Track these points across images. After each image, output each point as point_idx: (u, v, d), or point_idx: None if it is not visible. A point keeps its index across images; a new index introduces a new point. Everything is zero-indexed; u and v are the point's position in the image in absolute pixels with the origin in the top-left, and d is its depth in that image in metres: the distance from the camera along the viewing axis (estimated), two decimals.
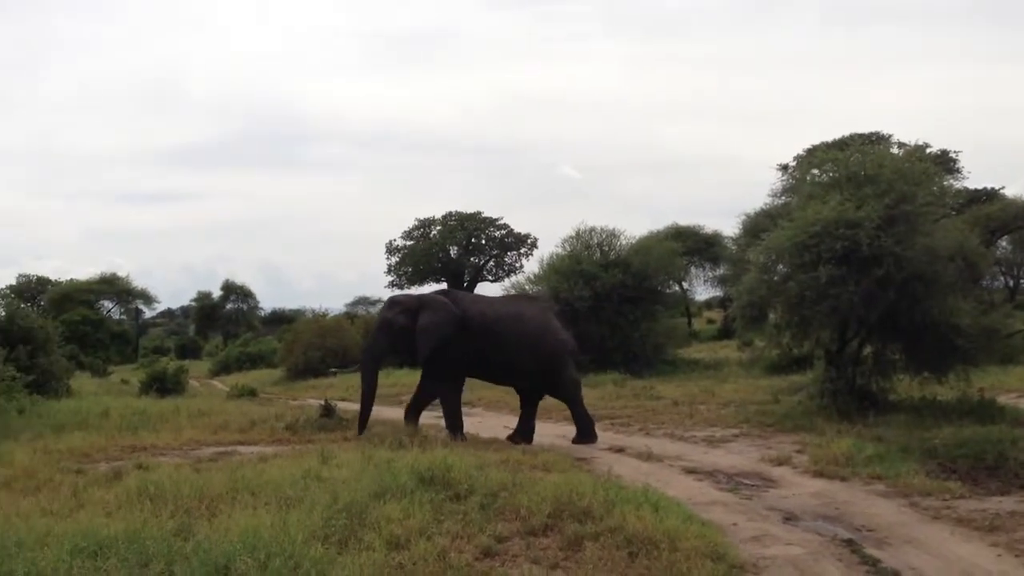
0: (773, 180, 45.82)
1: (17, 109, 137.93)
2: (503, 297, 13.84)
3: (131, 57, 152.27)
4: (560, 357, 13.24)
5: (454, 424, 13.06)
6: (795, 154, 35.99)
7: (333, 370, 24.03)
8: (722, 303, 47.17)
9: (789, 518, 7.97)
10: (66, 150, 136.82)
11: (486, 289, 63.45)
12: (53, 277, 69.53)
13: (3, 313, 22.01)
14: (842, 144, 28.48)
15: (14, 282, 67.47)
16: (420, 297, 13.59)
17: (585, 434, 13.11)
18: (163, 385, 24.13)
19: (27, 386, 17.39)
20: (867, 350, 15.48)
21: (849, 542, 7.03)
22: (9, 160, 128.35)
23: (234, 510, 7.11)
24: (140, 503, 7.51)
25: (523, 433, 13.23)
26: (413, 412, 13.30)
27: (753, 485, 9.62)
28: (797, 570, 6.25)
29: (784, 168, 33.68)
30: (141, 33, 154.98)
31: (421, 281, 67.28)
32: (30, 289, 66.32)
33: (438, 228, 68.17)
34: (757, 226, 22.87)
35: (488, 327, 12.94)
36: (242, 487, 8.09)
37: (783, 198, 25.93)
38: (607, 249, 28.25)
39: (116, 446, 12.38)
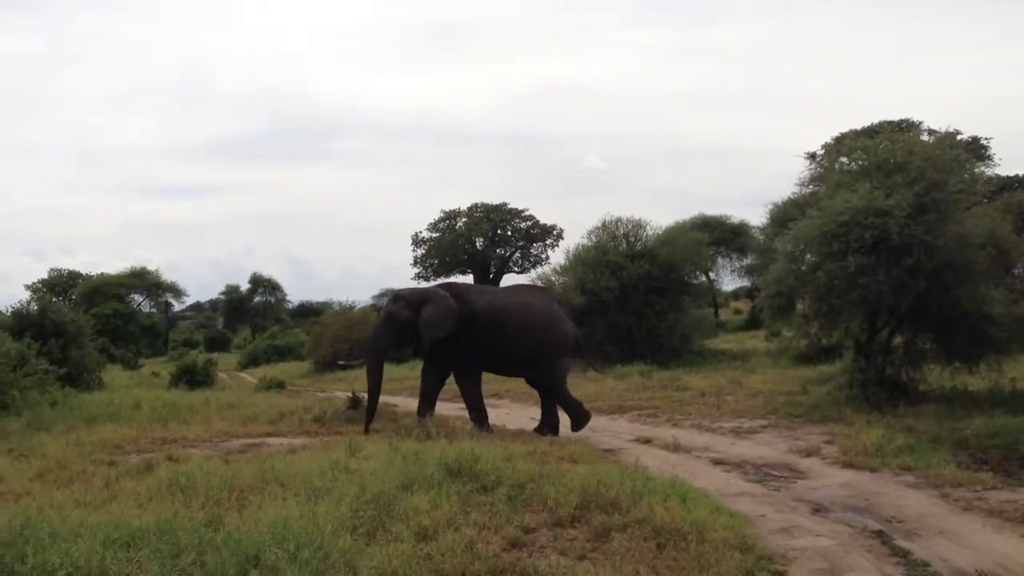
0: (801, 169, 45.40)
1: (51, 105, 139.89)
2: (508, 288, 13.93)
3: (161, 53, 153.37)
4: (559, 347, 13.32)
5: (479, 417, 13.15)
6: (823, 142, 35.72)
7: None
8: (749, 293, 46.87)
9: (818, 509, 7.92)
10: (97, 145, 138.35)
11: (511, 281, 63.33)
12: (84, 271, 70.48)
13: (36, 307, 22.28)
14: (871, 132, 28.26)
15: (46, 276, 68.56)
16: (423, 291, 13.75)
17: (580, 420, 13.14)
18: (193, 378, 24.33)
19: (60, 379, 17.64)
20: (897, 340, 15.35)
21: (879, 533, 6.98)
22: (42, 155, 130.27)
23: (263, 501, 7.18)
24: (171, 494, 7.59)
25: (548, 425, 13.25)
26: (427, 405, 13.44)
27: (781, 476, 9.57)
28: (826, 561, 6.21)
29: (812, 157, 33.44)
30: (171, 29, 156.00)
31: (447, 273, 67.41)
32: (61, 283, 67.23)
33: (464, 220, 68.21)
34: (785, 215, 22.76)
35: (495, 318, 13.08)
36: (271, 478, 8.16)
37: (811, 187, 25.69)
38: (633, 240, 28.15)
39: (147, 438, 12.53)
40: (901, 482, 8.99)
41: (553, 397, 13.53)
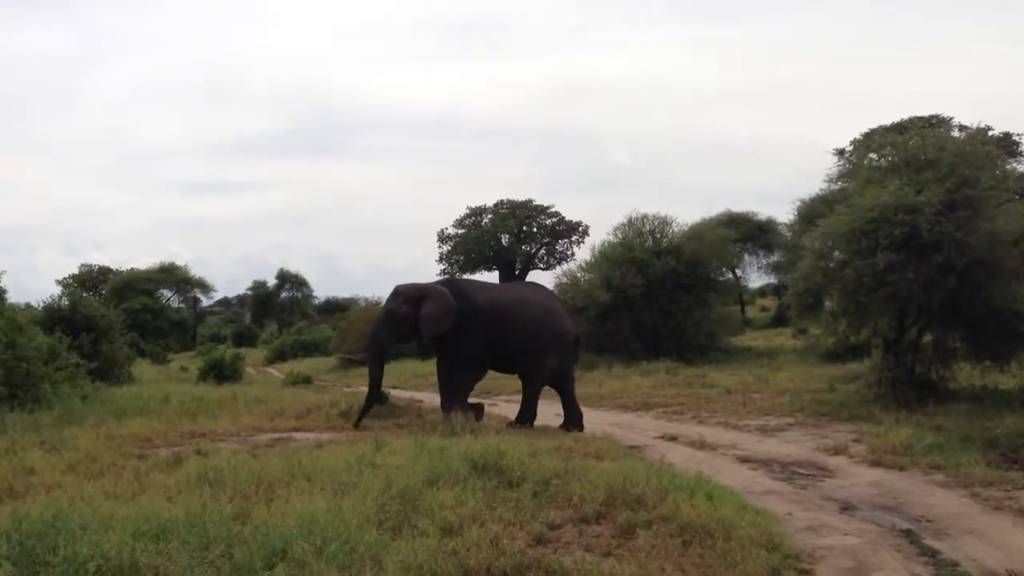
0: (829, 165, 44.97)
1: (83, 103, 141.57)
2: (508, 284, 13.95)
3: (191, 51, 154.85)
4: (554, 343, 13.29)
5: (450, 408, 13.10)
6: (852, 138, 35.42)
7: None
8: (776, 290, 46.61)
9: (846, 508, 7.87)
10: (128, 143, 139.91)
11: (537, 278, 63.27)
12: (114, 267, 71.21)
13: (67, 302, 22.52)
14: (901, 128, 28.01)
15: (77, 271, 69.38)
16: (422, 286, 13.71)
17: (523, 420, 13.24)
18: (221, 372, 24.50)
19: (90, 373, 17.84)
20: (927, 338, 15.21)
21: (908, 533, 6.92)
22: (75, 153, 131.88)
23: (290, 495, 7.24)
24: (200, 488, 7.66)
25: (572, 420, 13.27)
26: (462, 403, 13.44)
27: (808, 474, 9.50)
28: (854, 560, 6.16)
29: (840, 153, 33.14)
30: (201, 27, 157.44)
31: (473, 269, 67.48)
32: (92, 278, 67.96)
33: (489, 216, 68.23)
34: (812, 212, 22.59)
35: (495, 314, 13.11)
36: (298, 473, 8.23)
37: (839, 183, 25.48)
38: (659, 236, 28.09)
39: (176, 432, 12.64)
40: (930, 481, 8.91)
41: (565, 393, 13.59)
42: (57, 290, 29.22)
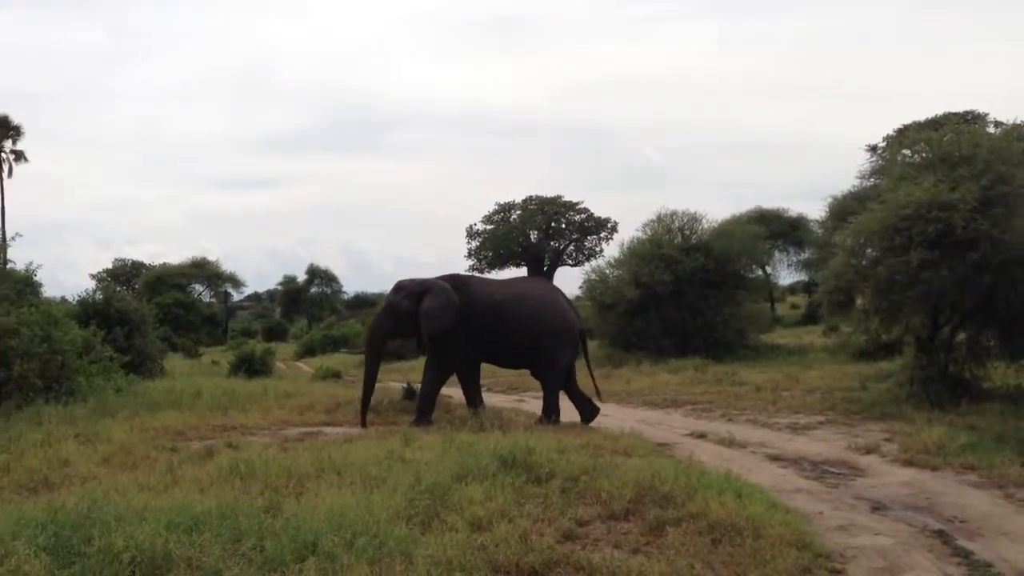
0: (861, 162, 44.52)
1: (117, 99, 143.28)
2: (511, 279, 13.97)
3: (224, 47, 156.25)
4: (559, 339, 13.26)
5: (424, 407, 13.25)
6: (885, 135, 35.07)
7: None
8: (807, 288, 46.22)
9: (877, 508, 7.79)
10: (161, 138, 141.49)
11: (566, 274, 63.31)
12: (147, 261, 72.00)
13: (101, 296, 22.80)
14: (935, 124, 27.61)
15: (111, 266, 70.26)
16: (424, 282, 13.67)
17: (548, 414, 13.20)
18: (251, 367, 24.70)
19: (124, 366, 18.07)
20: (960, 336, 15.01)
21: (940, 533, 6.84)
22: (109, 148, 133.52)
23: (320, 489, 7.29)
24: (231, 480, 7.76)
25: (587, 412, 13.33)
26: (472, 397, 13.63)
27: (839, 473, 9.42)
28: (886, 561, 6.10)
29: (873, 149, 32.89)
30: (234, 23, 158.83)
31: (502, 265, 67.52)
32: (126, 272, 68.81)
33: (518, 212, 68.22)
34: (844, 209, 22.39)
35: (496, 310, 13.10)
36: (328, 467, 8.29)
37: (872, 180, 25.30)
38: (688, 233, 27.92)
39: (208, 425, 12.79)
40: (963, 481, 8.80)
41: (572, 387, 13.64)
42: (91, 284, 29.67)
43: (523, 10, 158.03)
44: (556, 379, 13.38)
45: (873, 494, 8.34)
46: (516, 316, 13.09)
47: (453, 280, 13.56)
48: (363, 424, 13.09)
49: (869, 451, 10.52)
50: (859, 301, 16.01)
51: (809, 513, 7.33)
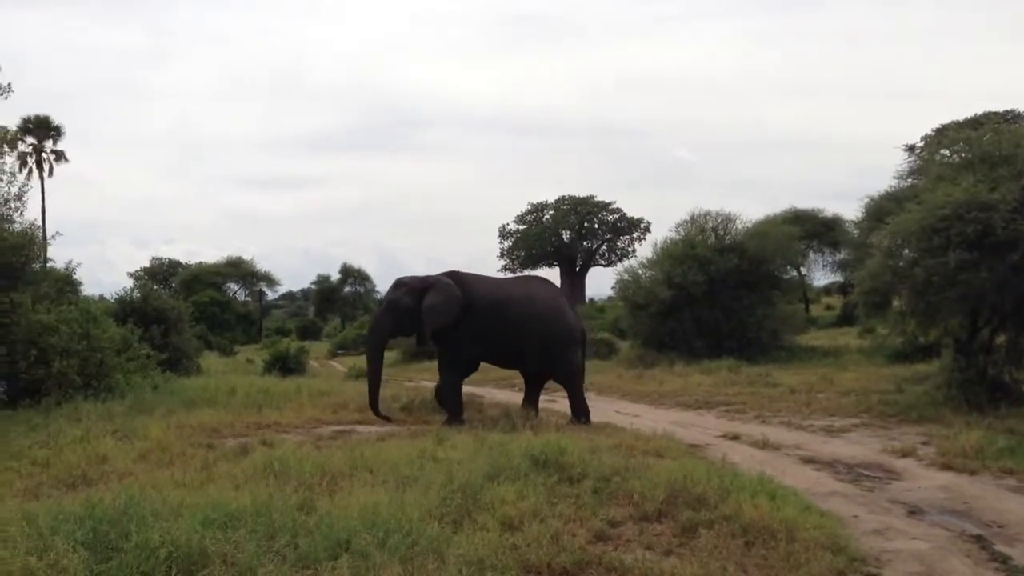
0: (899, 162, 43.93)
1: (154, 98, 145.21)
2: (513, 278, 13.92)
3: (259, 47, 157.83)
4: (565, 339, 13.26)
5: (453, 408, 13.22)
6: (923, 134, 34.65)
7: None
8: (842, 289, 45.74)
9: (914, 512, 7.70)
10: (198, 138, 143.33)
11: (598, 274, 63.17)
12: (184, 260, 72.91)
13: (138, 294, 23.11)
14: (975, 123, 27.26)
15: (148, 264, 71.26)
16: (425, 279, 13.64)
17: (578, 415, 13.19)
18: (285, 365, 24.91)
19: (160, 364, 18.31)
20: (999, 338, 14.78)
21: (978, 538, 6.75)
22: (147, 148, 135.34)
23: (353, 487, 7.34)
24: (265, 478, 7.82)
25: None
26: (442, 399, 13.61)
27: (875, 477, 9.32)
28: (922, 565, 6.02)
29: (911, 149, 32.48)
30: (268, 24, 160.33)
31: (534, 265, 67.53)
32: (163, 271, 69.81)
33: (551, 212, 68.26)
34: (881, 209, 22.16)
35: (496, 308, 13.05)
36: (361, 465, 8.34)
37: (909, 180, 25.00)
38: (722, 233, 27.76)
39: (242, 423, 12.90)
40: (1002, 485, 8.66)
41: (537, 389, 13.83)
42: (129, 283, 30.07)
43: (554, 9, 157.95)
44: (576, 379, 13.45)
45: (909, 498, 8.24)
46: (519, 316, 13.09)
47: (453, 277, 13.49)
48: (378, 414, 13.23)
49: (905, 454, 10.40)
50: (896, 302, 15.83)
51: (844, 516, 7.25)
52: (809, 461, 10.20)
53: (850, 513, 7.48)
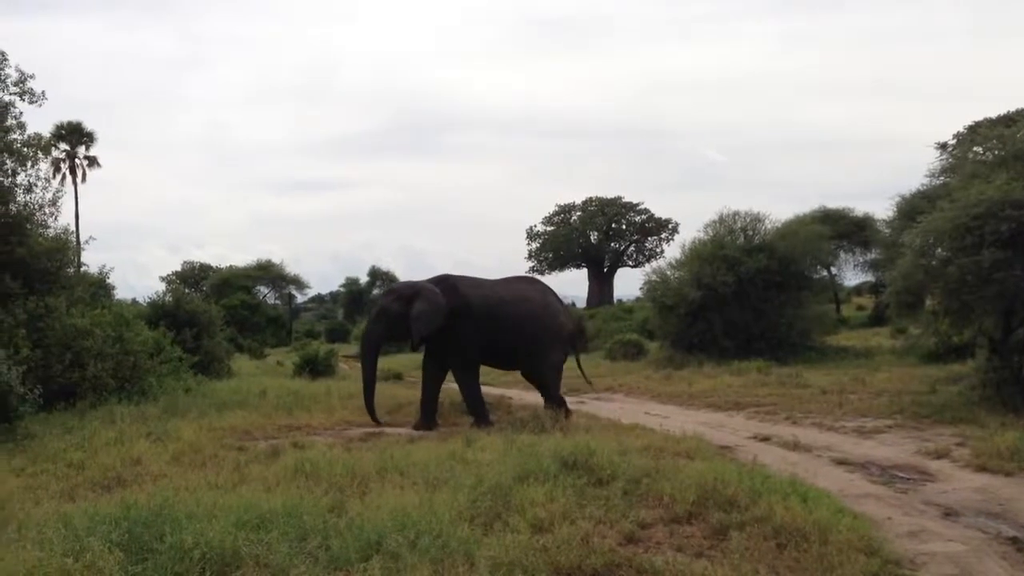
0: (930, 160, 43.51)
1: (185, 105, 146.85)
2: (503, 280, 13.98)
3: (288, 53, 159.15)
4: (550, 339, 13.40)
5: (478, 411, 13.27)
6: (955, 132, 34.24)
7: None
8: (873, 289, 45.22)
9: (949, 513, 7.60)
10: (228, 142, 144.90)
11: (626, 275, 63.05)
12: (214, 263, 73.52)
13: (170, 298, 23.35)
14: (1008, 120, 26.91)
15: (179, 268, 71.95)
16: (415, 285, 13.79)
17: (555, 405, 13.29)
18: (315, 367, 24.99)
19: (192, 367, 18.50)
20: None
21: (1014, 540, 6.66)
22: (178, 153, 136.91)
23: (384, 489, 7.39)
24: (297, 480, 7.90)
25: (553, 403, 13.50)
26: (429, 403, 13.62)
27: (909, 478, 9.21)
28: (958, 567, 5.95)
29: (943, 147, 32.09)
30: (298, 29, 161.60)
31: (561, 267, 67.47)
32: (193, 275, 70.35)
33: (578, 214, 68.17)
34: (913, 208, 21.92)
35: (489, 311, 13.18)
36: (391, 467, 8.38)
37: (941, 178, 24.69)
38: (751, 233, 27.55)
39: (273, 425, 13.01)
40: None
41: (543, 387, 13.84)
42: (161, 287, 30.39)
43: (582, 11, 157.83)
44: (553, 376, 13.68)
45: (944, 500, 8.14)
46: (511, 317, 13.23)
47: (443, 281, 13.61)
48: (374, 419, 13.34)
49: (940, 456, 10.27)
50: (928, 302, 15.66)
51: (877, 519, 7.19)
52: (841, 463, 10.10)
53: (884, 515, 7.40)
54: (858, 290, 54.42)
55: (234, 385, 18.26)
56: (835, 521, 6.41)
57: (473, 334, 13.16)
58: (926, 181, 28.04)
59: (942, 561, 6.08)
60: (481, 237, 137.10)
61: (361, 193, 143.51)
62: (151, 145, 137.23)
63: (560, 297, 14.81)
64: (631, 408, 15.47)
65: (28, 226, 15.98)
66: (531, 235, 69.29)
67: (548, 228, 68.73)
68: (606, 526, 6.42)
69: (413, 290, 13.58)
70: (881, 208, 72.49)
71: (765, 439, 11.86)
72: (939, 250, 14.20)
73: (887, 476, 9.35)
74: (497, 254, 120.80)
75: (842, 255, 41.94)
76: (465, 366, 13.50)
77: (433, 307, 13.08)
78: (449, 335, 13.16)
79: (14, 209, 15.87)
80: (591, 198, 68.16)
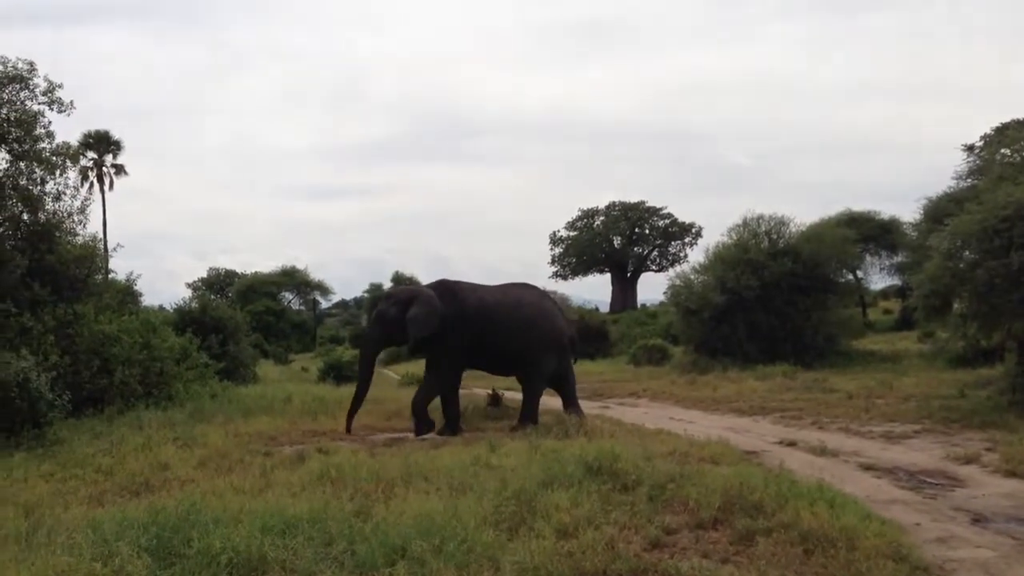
0: (957, 162, 42.93)
1: (213, 113, 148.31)
2: (500, 285, 13.97)
3: (315, 61, 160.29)
4: (548, 346, 13.41)
5: (421, 415, 13.16)
6: (982, 134, 33.85)
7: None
8: (900, 292, 44.75)
9: (978, 519, 7.51)
10: (254, 150, 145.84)
11: (650, 280, 62.88)
12: (240, 270, 74.03)
13: (197, 304, 23.56)
14: None
15: (205, 275, 72.55)
16: (411, 289, 13.94)
17: (524, 421, 13.22)
18: (339, 373, 25.15)
19: (218, 372, 18.65)
20: None
21: None
22: (206, 161, 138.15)
23: (408, 494, 7.40)
24: (322, 485, 7.93)
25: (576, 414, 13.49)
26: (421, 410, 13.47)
27: (937, 484, 9.11)
28: (988, 574, 5.88)
29: (970, 149, 31.74)
30: (325, 38, 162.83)
31: (585, 271, 67.37)
32: (219, 281, 70.95)
33: (601, 218, 68.05)
34: (940, 211, 21.75)
35: (486, 315, 13.16)
36: (415, 472, 8.41)
37: (969, 180, 24.49)
38: (776, 237, 27.39)
39: (298, 430, 13.08)
40: None
41: (564, 394, 13.88)
42: (187, 293, 30.64)
43: (607, 15, 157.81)
44: (539, 385, 13.64)
45: (973, 505, 8.04)
46: (508, 322, 13.24)
47: (441, 286, 13.64)
48: (348, 430, 13.18)
49: (969, 461, 10.16)
50: (956, 305, 15.50)
51: (906, 524, 7.10)
52: (869, 468, 10.00)
53: (912, 521, 7.32)
54: (884, 294, 53.85)
55: (259, 391, 18.38)
56: (863, 527, 6.34)
57: (468, 338, 13.18)
58: (953, 183, 27.82)
59: (971, 567, 6.01)
60: (506, 242, 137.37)
61: (386, 199, 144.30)
62: (179, 153, 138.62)
63: (557, 302, 14.82)
64: (655, 413, 15.41)
65: (57, 234, 16.18)
66: (554, 240, 69.25)
67: (571, 233, 68.66)
68: (631, 531, 6.40)
69: (410, 294, 13.70)
70: (908, 211, 71.72)
71: (791, 444, 11.77)
72: (967, 253, 14.07)
73: (915, 481, 9.25)
74: (522, 259, 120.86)
75: (868, 258, 41.53)
76: (447, 369, 13.49)
77: (429, 311, 13.12)
78: (444, 338, 13.17)
79: (43, 217, 16.08)
80: (614, 202, 68.05)
